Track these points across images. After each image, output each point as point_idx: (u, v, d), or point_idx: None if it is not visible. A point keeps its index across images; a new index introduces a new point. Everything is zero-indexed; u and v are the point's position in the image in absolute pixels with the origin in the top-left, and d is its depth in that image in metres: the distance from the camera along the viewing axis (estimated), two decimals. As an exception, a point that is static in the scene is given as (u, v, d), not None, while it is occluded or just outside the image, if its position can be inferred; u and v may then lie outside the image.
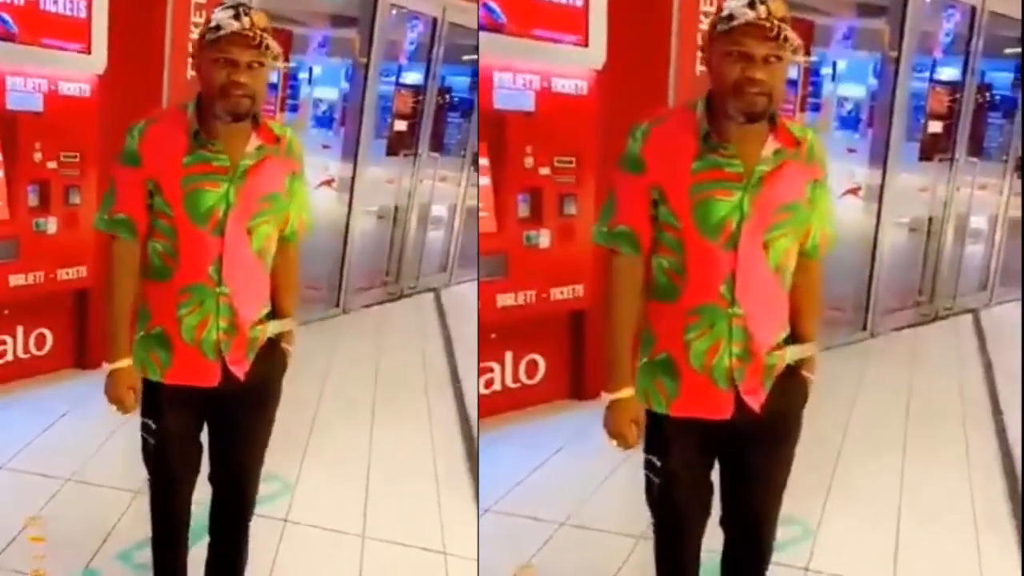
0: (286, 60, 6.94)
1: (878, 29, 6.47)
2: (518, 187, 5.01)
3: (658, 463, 2.55)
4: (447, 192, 8.29)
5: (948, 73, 6.97)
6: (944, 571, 3.62)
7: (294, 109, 7.31)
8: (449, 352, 6.32)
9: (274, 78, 6.86)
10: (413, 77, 7.87)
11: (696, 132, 2.40)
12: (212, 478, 2.89)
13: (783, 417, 2.54)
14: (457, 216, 8.40)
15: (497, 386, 4.97)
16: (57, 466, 4.19)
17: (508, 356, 5.01)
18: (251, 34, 2.53)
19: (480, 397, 4.79)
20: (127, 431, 3.34)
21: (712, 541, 2.67)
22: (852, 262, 6.42)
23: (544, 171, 5.05)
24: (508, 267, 4.95)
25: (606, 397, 2.50)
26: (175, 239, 2.65)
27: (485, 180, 5.01)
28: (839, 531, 3.82)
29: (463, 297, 7.86)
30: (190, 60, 2.70)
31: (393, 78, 7.70)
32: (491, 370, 4.94)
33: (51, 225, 5.42)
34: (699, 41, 4.47)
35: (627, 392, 2.48)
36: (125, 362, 2.70)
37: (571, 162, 5.10)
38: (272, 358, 2.81)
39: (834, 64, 6.57)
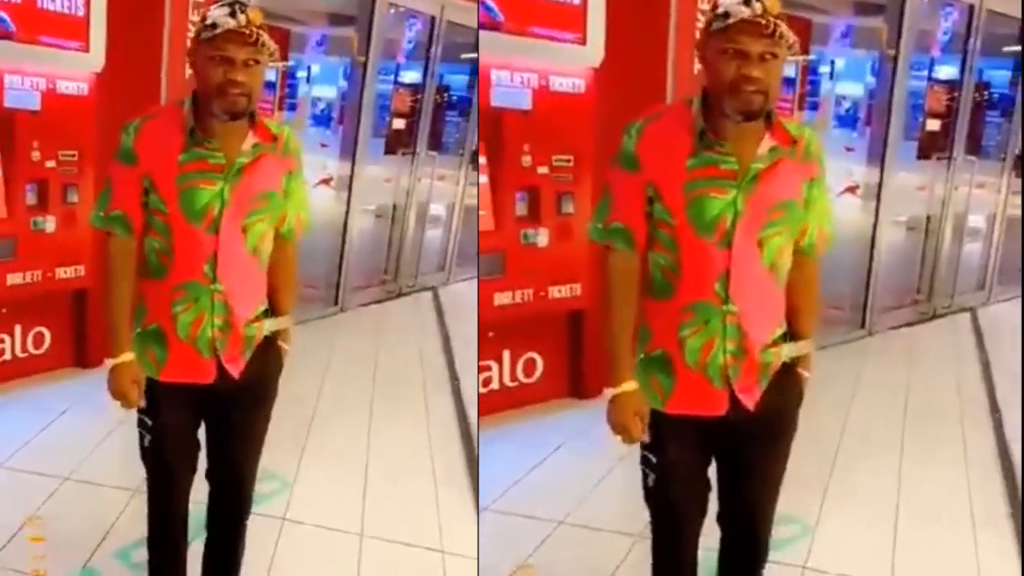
0: (284, 59, 6.94)
1: (876, 27, 6.47)
2: (516, 186, 5.01)
3: (654, 459, 2.55)
4: (445, 191, 8.29)
5: (946, 71, 6.97)
6: (942, 569, 3.62)
7: (292, 108, 7.31)
8: (447, 350, 6.32)
9: (272, 77, 6.86)
10: (411, 76, 7.87)
11: (691, 129, 2.40)
12: (209, 475, 2.90)
13: (779, 414, 2.54)
14: (455, 215, 8.40)
15: (495, 385, 4.97)
16: (55, 465, 4.19)
17: (506, 355, 5.01)
18: (247, 32, 2.53)
19: (478, 396, 4.79)
20: (125, 430, 3.36)
21: (710, 539, 2.67)
22: (850, 260, 6.43)
23: (542, 170, 5.05)
24: (506, 266, 4.95)
25: (608, 392, 2.50)
26: (170, 236, 2.65)
27: (485, 179, 5.01)
28: (837, 529, 3.82)
29: (461, 296, 7.87)
30: (188, 58, 2.71)
31: (391, 77, 7.70)
32: (489, 369, 4.93)
33: (49, 224, 5.42)
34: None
35: (629, 386, 2.48)
36: (127, 356, 2.70)
37: (569, 160, 5.10)
38: (268, 356, 2.81)
39: (832, 62, 6.57)
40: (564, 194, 5.10)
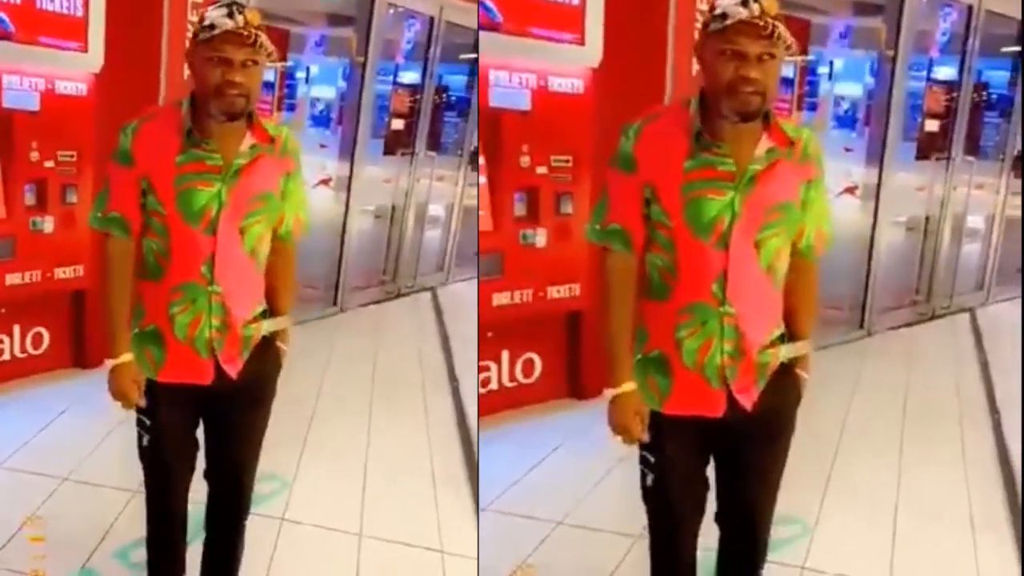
0: (283, 59, 6.94)
1: (875, 28, 6.47)
2: (514, 186, 5.01)
3: (653, 459, 2.55)
4: (444, 191, 8.29)
5: (945, 72, 6.97)
6: (941, 568, 3.62)
7: (291, 108, 7.31)
8: (446, 350, 6.32)
9: (271, 77, 6.86)
10: (410, 76, 7.87)
11: (689, 131, 2.40)
12: (208, 476, 2.90)
13: (776, 415, 2.54)
14: (454, 215, 8.40)
15: (494, 385, 4.96)
16: (54, 465, 4.19)
17: (505, 355, 5.01)
18: (245, 32, 2.53)
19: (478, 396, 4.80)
20: (124, 430, 3.36)
21: (709, 539, 2.67)
22: (849, 261, 6.43)
23: (541, 170, 5.05)
24: (504, 266, 4.95)
25: (608, 393, 2.51)
26: (168, 238, 2.65)
27: (484, 179, 5.01)
28: (836, 529, 3.82)
29: (460, 296, 7.86)
30: (186, 59, 2.71)
31: (390, 77, 7.70)
32: (488, 369, 4.93)
33: (48, 224, 5.43)
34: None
35: (629, 386, 2.49)
36: (127, 357, 2.70)
37: (568, 161, 5.10)
38: (266, 356, 2.81)
39: (831, 63, 6.57)
40: (563, 194, 5.10)
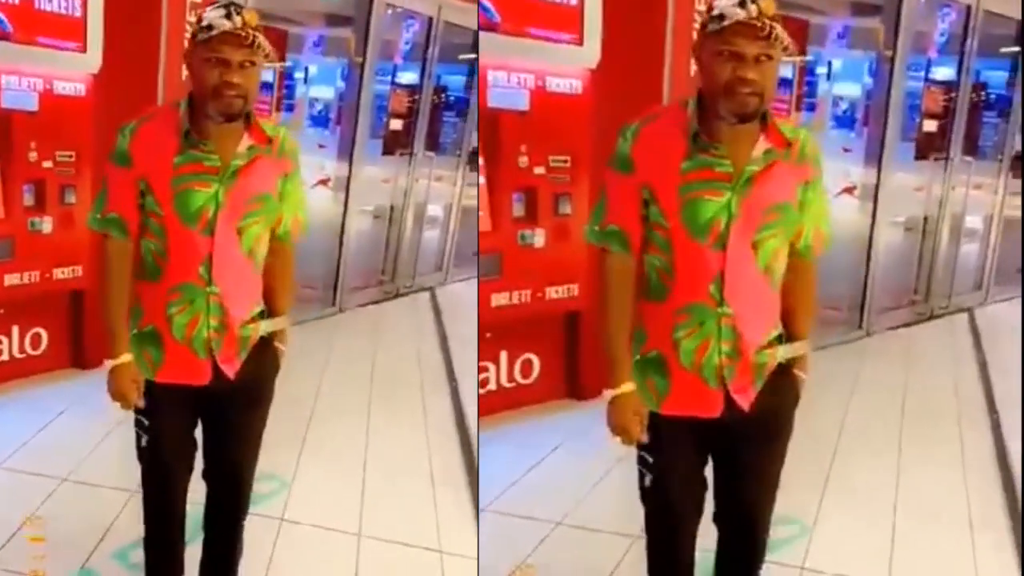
0: (282, 60, 6.94)
1: (873, 28, 6.47)
2: (513, 186, 5.00)
3: (651, 459, 2.56)
4: (443, 191, 8.29)
5: (943, 72, 6.97)
6: (940, 569, 3.62)
7: (290, 108, 7.31)
8: (445, 351, 6.32)
9: (270, 77, 6.86)
10: (409, 76, 7.87)
11: (686, 132, 2.40)
12: (206, 476, 2.90)
13: (774, 415, 2.54)
14: (453, 215, 8.40)
15: (492, 386, 4.96)
16: (53, 466, 4.18)
17: (503, 356, 5.01)
18: (243, 33, 2.53)
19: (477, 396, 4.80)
20: (123, 431, 3.35)
21: (707, 540, 2.67)
22: (848, 261, 6.43)
23: (539, 170, 5.05)
24: (503, 266, 4.95)
25: (608, 393, 2.51)
26: (165, 238, 2.65)
27: (483, 179, 5.01)
28: (835, 529, 3.82)
29: (459, 296, 7.86)
30: (184, 60, 2.71)
31: (389, 77, 7.70)
32: (486, 370, 4.93)
33: (46, 225, 5.42)
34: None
35: (628, 387, 2.49)
36: (126, 357, 2.71)
37: (566, 161, 5.10)
38: (264, 357, 2.81)
39: (829, 63, 6.57)
40: (561, 195, 5.10)
